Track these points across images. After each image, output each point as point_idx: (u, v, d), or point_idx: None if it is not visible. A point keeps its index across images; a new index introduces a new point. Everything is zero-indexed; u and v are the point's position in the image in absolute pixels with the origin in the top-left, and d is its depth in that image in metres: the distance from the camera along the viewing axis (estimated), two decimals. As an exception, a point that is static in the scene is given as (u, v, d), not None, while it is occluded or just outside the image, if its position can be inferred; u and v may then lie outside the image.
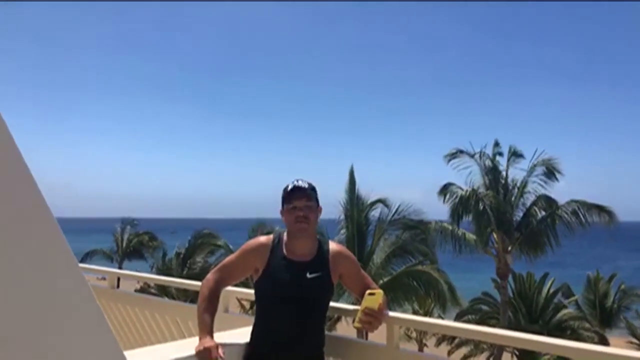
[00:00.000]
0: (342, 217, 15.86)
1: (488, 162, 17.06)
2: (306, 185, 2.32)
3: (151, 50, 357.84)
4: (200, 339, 2.14)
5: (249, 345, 2.33)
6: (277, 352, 2.23)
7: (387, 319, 2.22)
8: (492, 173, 16.99)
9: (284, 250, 2.30)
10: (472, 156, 17.00)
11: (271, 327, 2.26)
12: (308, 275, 2.24)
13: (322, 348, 2.32)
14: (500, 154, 17.08)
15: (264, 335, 2.28)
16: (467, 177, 16.98)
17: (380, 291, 2.14)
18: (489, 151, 17.23)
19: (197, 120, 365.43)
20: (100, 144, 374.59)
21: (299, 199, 2.28)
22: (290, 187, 2.31)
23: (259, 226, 20.06)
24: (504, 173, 17.12)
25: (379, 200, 16.01)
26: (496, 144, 17.21)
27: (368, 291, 2.14)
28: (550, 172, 16.44)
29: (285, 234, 2.37)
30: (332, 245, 2.40)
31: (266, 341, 2.26)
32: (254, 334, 2.33)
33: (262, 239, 2.37)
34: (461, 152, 17.08)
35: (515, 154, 17.06)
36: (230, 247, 22.83)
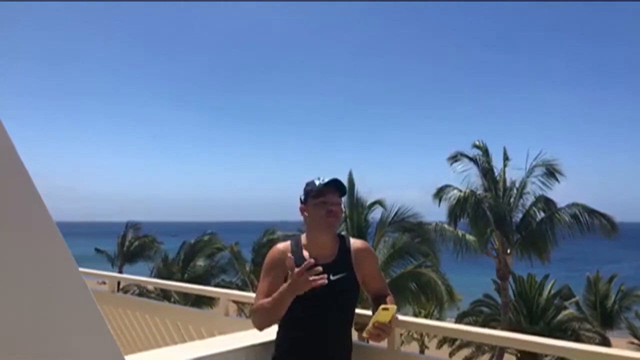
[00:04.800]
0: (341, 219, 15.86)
1: (486, 164, 17.07)
2: (343, 182, 2.21)
3: (155, 53, 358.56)
4: (290, 288, 1.96)
5: (275, 351, 2.24)
6: (304, 357, 2.14)
7: None
8: (491, 174, 16.99)
9: (304, 254, 2.19)
10: (472, 159, 17.02)
11: (296, 334, 2.16)
12: (332, 277, 2.10)
13: (350, 352, 2.21)
14: (488, 154, 17.09)
15: (291, 341, 2.18)
16: (465, 179, 16.99)
17: (395, 307, 2.08)
18: (489, 153, 17.26)
19: (201, 124, 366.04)
20: (103, 147, 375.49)
21: (334, 193, 2.17)
22: (326, 180, 2.17)
23: (274, 230, 19.93)
24: (502, 174, 17.12)
25: (377, 202, 16.04)
26: (478, 146, 17.22)
27: (382, 306, 2.06)
28: (551, 173, 16.44)
29: (303, 236, 2.27)
30: (354, 242, 2.28)
31: (293, 346, 2.17)
32: (279, 340, 2.24)
33: (280, 246, 2.26)
34: (461, 154, 17.11)
35: (506, 157, 17.16)
36: (233, 245, 22.75)
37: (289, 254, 2.10)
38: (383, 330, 2.05)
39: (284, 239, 2.35)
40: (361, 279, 2.24)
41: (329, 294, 2.10)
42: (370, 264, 2.28)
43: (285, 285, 2.00)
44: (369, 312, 2.31)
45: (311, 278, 1.92)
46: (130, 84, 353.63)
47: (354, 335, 2.33)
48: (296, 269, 1.94)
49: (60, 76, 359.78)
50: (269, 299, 2.05)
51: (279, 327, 2.27)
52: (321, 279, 1.93)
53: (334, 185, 2.18)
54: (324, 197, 2.15)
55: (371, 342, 2.31)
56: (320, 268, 1.94)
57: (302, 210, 2.23)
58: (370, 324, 2.07)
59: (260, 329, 2.18)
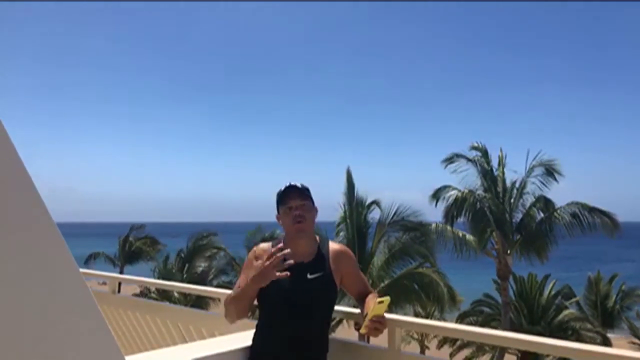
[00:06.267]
0: (341, 219, 15.87)
1: (485, 165, 17.06)
2: (299, 185, 2.29)
3: (155, 53, 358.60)
4: (253, 278, 2.06)
5: (251, 349, 2.29)
6: (279, 356, 2.18)
7: (388, 321, 2.20)
8: (490, 175, 16.97)
9: (282, 249, 2.23)
10: (470, 160, 17.00)
11: (273, 332, 2.21)
12: (309, 276, 2.18)
13: (326, 353, 2.25)
14: (487, 155, 17.08)
15: (267, 340, 2.23)
16: (464, 179, 16.97)
17: (388, 298, 2.11)
18: (488, 154, 17.26)
19: (201, 125, 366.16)
20: (103, 148, 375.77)
21: (294, 198, 2.25)
22: (283, 188, 2.28)
23: (256, 231, 20.07)
24: (501, 175, 17.10)
25: (373, 202, 16.02)
26: (477, 148, 17.21)
27: (377, 300, 2.09)
28: (550, 173, 16.43)
29: (283, 238, 2.34)
30: (333, 245, 2.35)
31: (268, 346, 2.21)
32: (256, 339, 2.30)
33: (262, 246, 2.35)
34: (457, 156, 17.08)
35: (501, 159, 17.16)
36: (229, 251, 22.84)
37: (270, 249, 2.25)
38: (380, 323, 2.08)
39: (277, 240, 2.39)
40: (339, 280, 2.29)
41: (306, 293, 2.16)
42: (348, 265, 2.33)
43: (251, 279, 2.08)
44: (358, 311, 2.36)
45: (275, 265, 2.02)
46: (130, 84, 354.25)
47: (355, 335, 2.33)
48: (259, 262, 2.07)
49: (60, 76, 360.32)
50: (234, 293, 2.17)
51: (256, 327, 2.32)
52: (285, 274, 2.02)
53: (291, 190, 2.27)
54: (288, 203, 2.25)
55: (371, 343, 2.31)
56: (291, 261, 2.04)
57: (278, 219, 2.33)
58: (366, 319, 2.08)
59: (230, 321, 2.28)
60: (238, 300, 2.16)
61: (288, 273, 2.03)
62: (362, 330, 2.14)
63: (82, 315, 0.98)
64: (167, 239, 32.56)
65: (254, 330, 2.36)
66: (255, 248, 2.36)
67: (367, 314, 2.11)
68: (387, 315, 2.18)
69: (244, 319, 2.33)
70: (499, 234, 16.42)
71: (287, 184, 2.29)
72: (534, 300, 18.70)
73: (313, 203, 2.32)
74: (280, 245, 2.08)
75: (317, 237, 2.36)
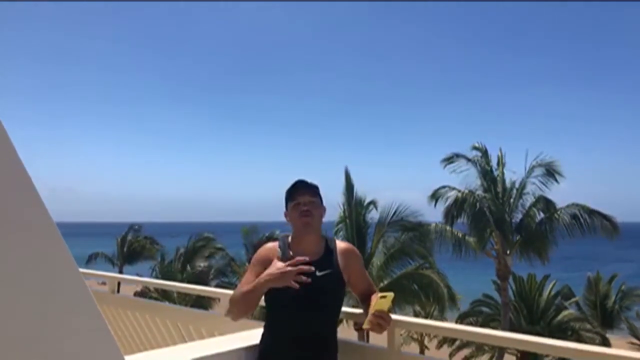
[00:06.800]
0: (340, 219, 15.89)
1: (485, 165, 17.05)
2: (308, 182, 2.31)
3: (156, 53, 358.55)
4: (270, 277, 2.07)
5: (259, 349, 2.26)
6: (289, 355, 2.15)
7: None
8: (490, 175, 16.96)
9: (291, 252, 2.24)
10: (469, 160, 17.00)
11: (283, 331, 2.18)
12: (318, 274, 2.14)
13: (336, 353, 2.22)
14: (487, 156, 17.08)
15: (276, 339, 2.20)
16: (464, 179, 16.96)
17: (392, 294, 2.10)
18: (488, 154, 17.25)
19: (201, 124, 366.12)
20: (103, 148, 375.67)
21: (303, 194, 2.26)
22: (292, 184, 2.30)
23: (252, 229, 20.11)
24: (501, 175, 17.09)
25: (370, 202, 16.03)
26: (477, 148, 17.21)
27: (380, 294, 2.09)
28: (550, 174, 16.42)
29: (290, 236, 2.34)
30: (340, 244, 2.35)
31: (278, 345, 2.18)
32: (265, 339, 2.26)
33: (269, 245, 2.35)
34: (457, 155, 17.08)
35: (502, 157, 17.16)
36: (228, 251, 22.88)
37: (277, 248, 2.28)
38: (383, 318, 2.06)
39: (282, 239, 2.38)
40: (347, 279, 2.28)
41: (315, 291, 2.13)
42: (355, 263, 2.33)
43: (263, 274, 2.08)
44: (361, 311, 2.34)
45: (295, 273, 2.03)
46: (130, 84, 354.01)
47: (355, 336, 2.33)
48: (280, 263, 2.08)
49: (60, 76, 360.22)
50: (245, 288, 2.14)
51: (264, 327, 2.30)
52: (307, 279, 2.03)
53: (300, 186, 2.28)
54: (296, 199, 2.26)
55: (371, 342, 2.31)
56: (312, 268, 2.05)
57: (285, 216, 2.33)
58: (369, 314, 2.07)
59: (234, 318, 2.24)
60: (249, 295, 2.12)
61: (297, 286, 2.02)
62: (365, 326, 2.12)
63: (82, 315, 0.98)
64: (167, 239, 32.60)
65: (253, 330, 2.35)
66: (263, 246, 2.37)
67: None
68: None
69: (244, 318, 2.32)
70: (498, 234, 16.41)
71: (296, 180, 2.30)
72: (533, 300, 18.69)
73: (322, 201, 2.32)
74: (304, 258, 2.07)
75: (324, 236, 2.35)
